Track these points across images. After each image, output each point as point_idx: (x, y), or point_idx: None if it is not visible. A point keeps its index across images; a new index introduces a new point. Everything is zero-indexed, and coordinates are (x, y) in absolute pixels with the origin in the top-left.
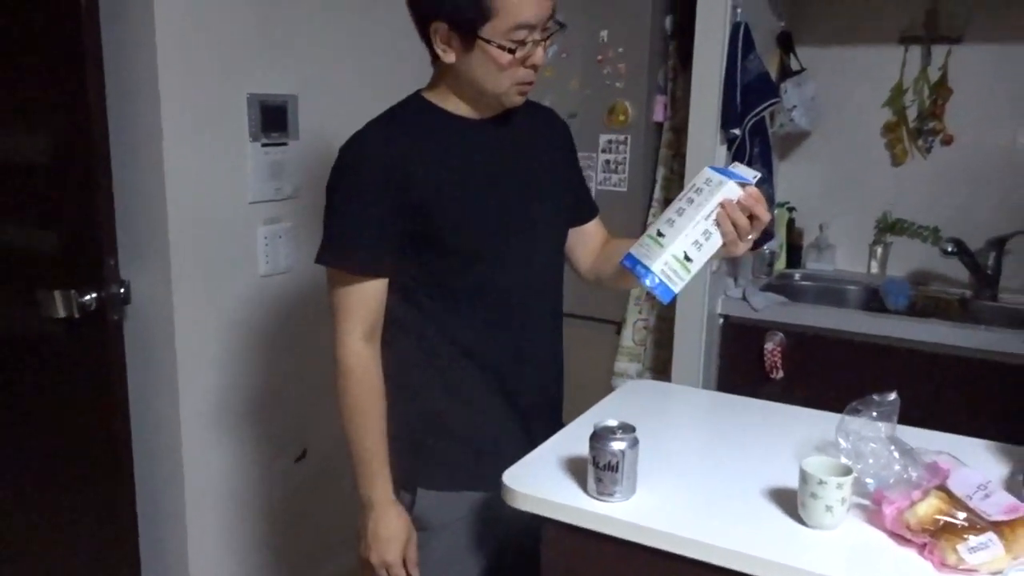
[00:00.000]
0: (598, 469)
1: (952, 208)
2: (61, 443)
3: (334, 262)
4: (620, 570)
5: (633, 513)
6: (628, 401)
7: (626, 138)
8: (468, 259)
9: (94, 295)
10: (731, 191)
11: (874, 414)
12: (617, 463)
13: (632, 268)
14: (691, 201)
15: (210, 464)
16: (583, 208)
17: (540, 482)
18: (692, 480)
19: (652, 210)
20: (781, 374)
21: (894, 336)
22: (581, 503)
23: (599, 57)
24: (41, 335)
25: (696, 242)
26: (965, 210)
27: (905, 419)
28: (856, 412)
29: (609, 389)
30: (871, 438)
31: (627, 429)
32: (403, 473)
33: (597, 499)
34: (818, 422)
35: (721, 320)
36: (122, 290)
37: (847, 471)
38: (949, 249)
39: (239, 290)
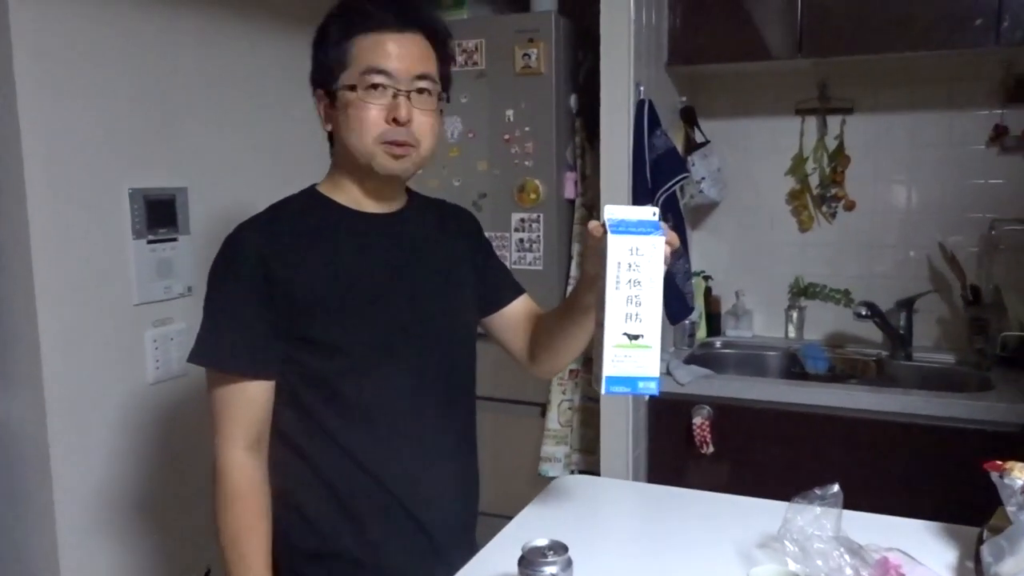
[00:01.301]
0: None
1: (859, 270)
2: None
3: (207, 361)
4: None
5: None
6: (555, 504)
7: (539, 216)
8: (356, 365)
9: None
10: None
11: (817, 510)
12: None
13: (609, 390)
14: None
15: None
16: (504, 291)
17: None
18: None
19: (570, 287)
20: (711, 449)
21: (817, 404)
22: None
23: (506, 136)
24: None
25: (628, 315)
26: (871, 272)
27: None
28: (799, 505)
29: (536, 476)
30: (817, 537)
31: (559, 549)
32: None
33: None
34: (759, 513)
35: (647, 396)
36: None
37: None
38: (863, 312)
39: (126, 401)
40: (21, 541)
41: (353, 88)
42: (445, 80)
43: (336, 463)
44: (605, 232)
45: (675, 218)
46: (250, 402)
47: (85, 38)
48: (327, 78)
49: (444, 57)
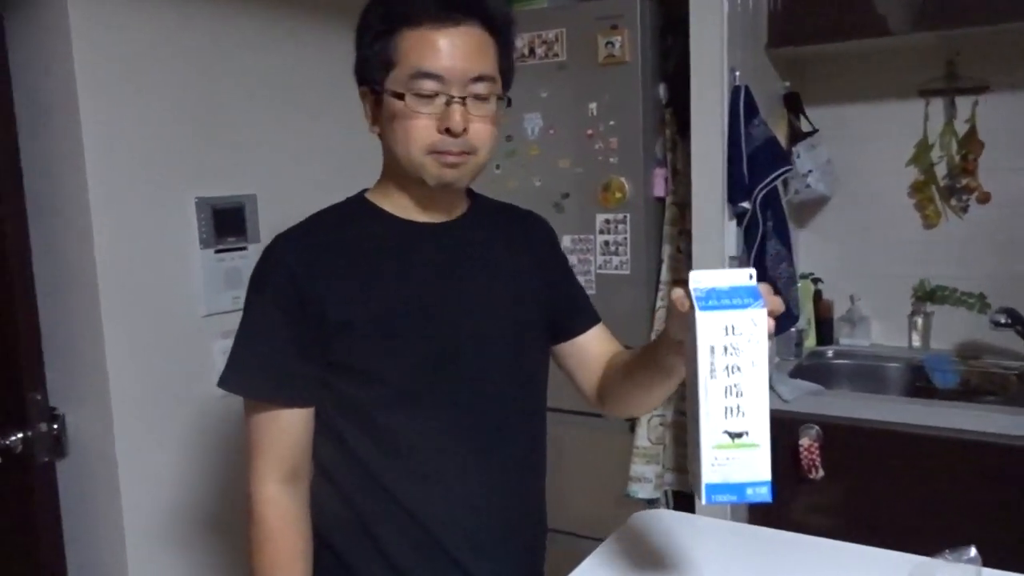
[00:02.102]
0: None
1: (995, 271)
2: None
3: (236, 387)
4: None
5: None
6: (632, 547)
7: (625, 216)
8: (396, 396)
9: (19, 435)
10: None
11: None
12: None
13: (711, 499)
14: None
15: None
16: (577, 318)
17: None
18: None
19: (660, 293)
20: (821, 473)
21: (946, 427)
22: None
23: (589, 131)
24: None
25: (728, 408)
26: (1010, 272)
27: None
28: (925, 574)
29: (624, 498)
30: None
31: None
32: None
33: None
34: (880, 569)
35: None
36: (55, 426)
37: None
38: (1002, 320)
39: (194, 414)
40: (92, 555)
41: (400, 96)
42: (506, 75)
43: (374, 502)
44: (692, 306)
45: (776, 217)
46: (282, 431)
47: (146, 44)
48: (371, 76)
49: (506, 48)
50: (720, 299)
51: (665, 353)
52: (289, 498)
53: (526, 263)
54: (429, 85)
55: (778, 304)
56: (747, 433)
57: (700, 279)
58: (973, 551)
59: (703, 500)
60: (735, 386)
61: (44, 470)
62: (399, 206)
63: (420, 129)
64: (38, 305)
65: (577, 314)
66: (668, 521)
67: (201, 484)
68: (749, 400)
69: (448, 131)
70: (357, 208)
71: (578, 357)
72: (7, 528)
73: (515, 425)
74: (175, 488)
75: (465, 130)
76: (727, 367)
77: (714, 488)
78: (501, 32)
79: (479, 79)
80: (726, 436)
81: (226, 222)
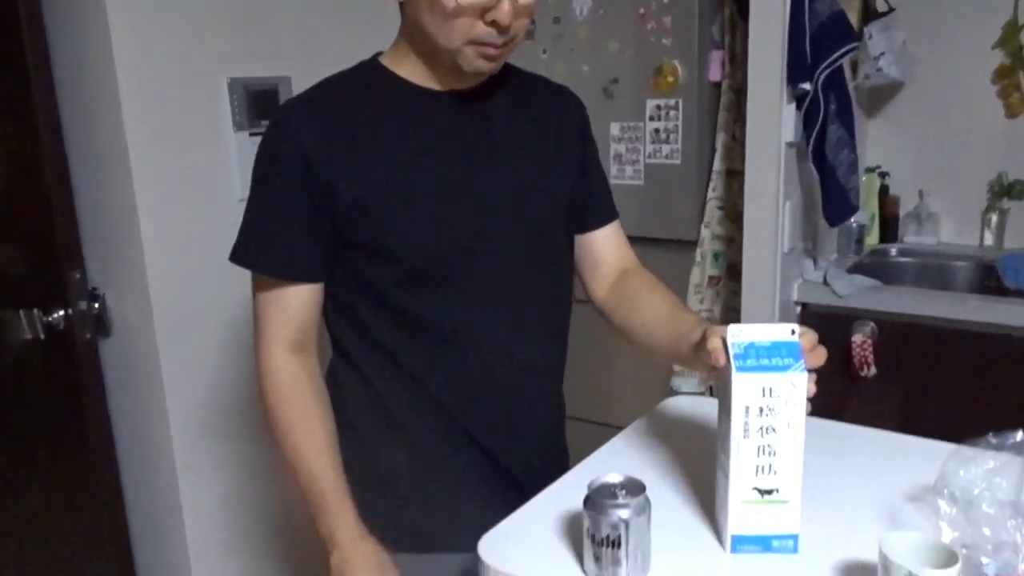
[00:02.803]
0: (595, 544)
1: None
2: (45, 476)
3: (245, 261)
4: None
5: None
6: (655, 432)
7: (677, 103)
8: (415, 276)
9: (61, 313)
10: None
11: (991, 463)
12: (619, 537)
13: (736, 549)
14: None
15: (207, 481)
16: (595, 211)
17: (523, 553)
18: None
19: (712, 184)
20: (873, 371)
21: (1017, 325)
22: None
23: (641, 11)
24: (13, 359)
25: (759, 467)
26: None
27: None
28: (967, 453)
29: (668, 392)
30: (986, 499)
31: (633, 489)
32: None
33: None
34: (920, 457)
35: (798, 309)
36: (95, 305)
37: (951, 557)
38: None
39: (229, 297)
40: (137, 431)
41: None
42: None
43: (395, 385)
44: (729, 362)
45: (839, 100)
46: (288, 307)
47: None
48: None
49: None
50: (759, 357)
51: (691, 359)
52: (297, 366)
53: (553, 143)
54: None
55: (819, 358)
56: (777, 490)
57: (739, 334)
58: (1020, 435)
59: (728, 550)
60: (768, 446)
61: (87, 347)
62: (417, 73)
63: (465, 19)
64: (73, 188)
65: (593, 209)
66: (703, 406)
67: (239, 367)
68: (782, 460)
69: (495, 23)
70: (371, 73)
71: (584, 253)
72: (55, 404)
73: (536, 312)
74: (213, 367)
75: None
76: (761, 428)
77: (740, 539)
78: None
79: None
80: (755, 492)
81: (260, 103)
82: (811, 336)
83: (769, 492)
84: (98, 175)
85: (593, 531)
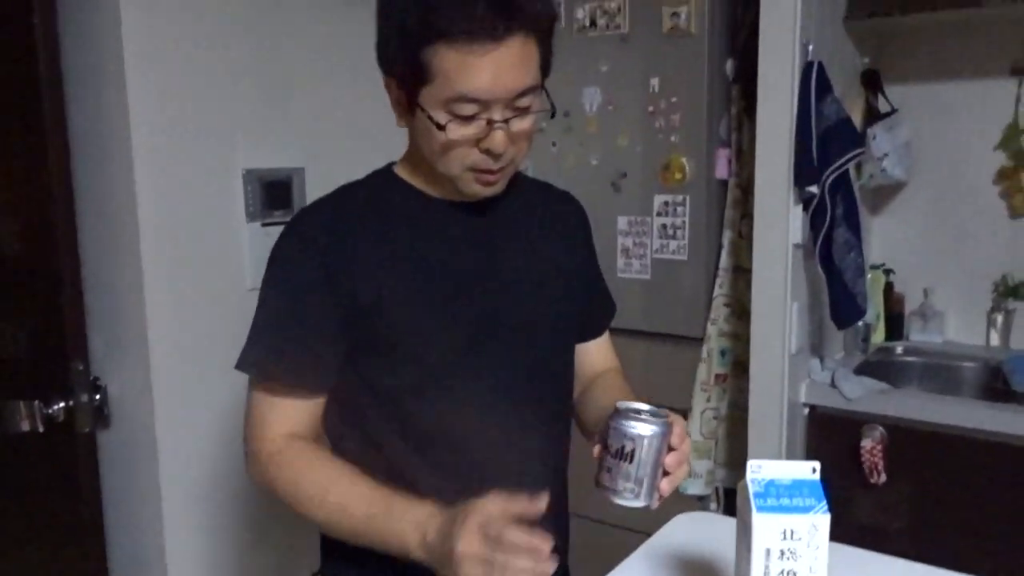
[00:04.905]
0: (609, 455)
1: None
2: (33, 569)
3: (254, 370)
4: None
5: None
6: (673, 551)
7: (684, 198)
8: (429, 378)
9: (61, 405)
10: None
11: None
12: (633, 451)
13: None
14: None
15: None
16: (593, 320)
17: None
18: None
19: (719, 281)
20: (884, 478)
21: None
22: None
23: (650, 108)
24: (8, 451)
25: None
26: None
27: None
28: None
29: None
30: None
31: (656, 414)
32: None
33: (600, 491)
34: None
35: (806, 411)
36: (96, 396)
37: None
38: None
39: (236, 388)
40: (131, 525)
41: (441, 127)
42: (546, 68)
43: None
44: (748, 500)
45: (846, 201)
46: (288, 419)
47: (197, 10)
48: (398, 75)
49: (548, 45)
50: (780, 496)
51: None
52: (298, 440)
53: (562, 246)
54: (470, 109)
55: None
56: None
57: (759, 470)
58: None
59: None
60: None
61: (86, 440)
62: (428, 183)
63: (459, 149)
64: (82, 275)
65: (593, 319)
66: (714, 524)
67: (239, 459)
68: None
69: (488, 152)
70: (386, 182)
71: (576, 360)
72: (49, 497)
73: (542, 419)
74: (214, 463)
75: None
76: (782, 571)
77: None
78: (548, 34)
79: (524, 93)
80: None
81: (274, 195)
82: (680, 426)
83: None
84: (108, 260)
85: (609, 441)
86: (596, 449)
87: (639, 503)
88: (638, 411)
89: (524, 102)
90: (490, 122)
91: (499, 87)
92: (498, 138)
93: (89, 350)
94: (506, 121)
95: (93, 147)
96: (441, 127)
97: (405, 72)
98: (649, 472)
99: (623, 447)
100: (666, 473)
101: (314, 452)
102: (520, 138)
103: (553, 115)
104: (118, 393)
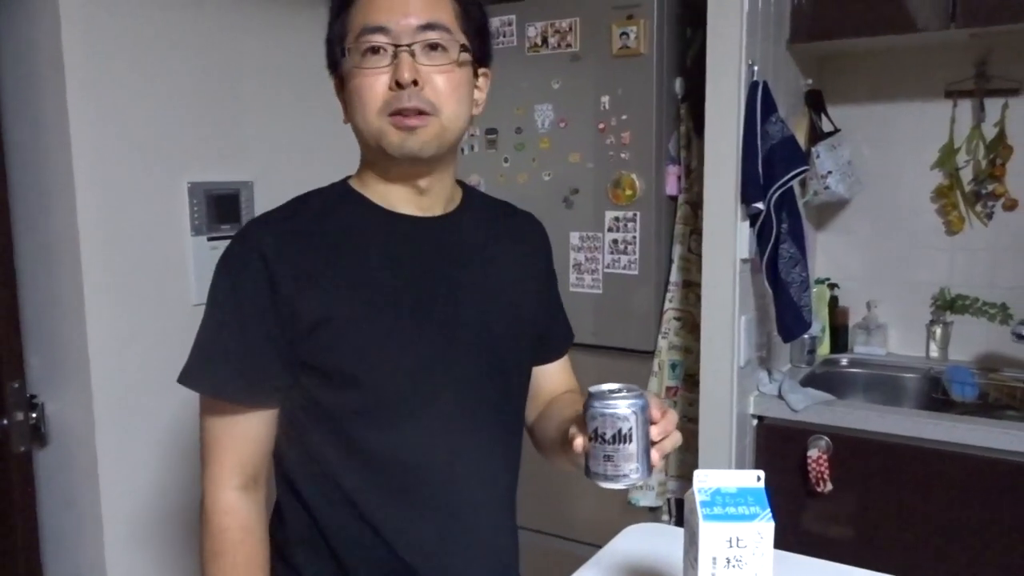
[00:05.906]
0: (605, 443)
1: (1019, 282)
2: None
3: (199, 385)
4: None
5: None
6: (624, 562)
7: (635, 215)
8: (374, 405)
9: None
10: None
11: None
12: (630, 430)
13: None
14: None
15: None
16: (551, 343)
17: None
18: None
19: (669, 295)
20: (829, 487)
21: (965, 443)
22: None
23: (601, 125)
24: None
25: None
26: None
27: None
28: None
29: (625, 506)
30: None
31: (630, 388)
32: None
33: (604, 483)
34: None
35: (755, 422)
36: (33, 414)
37: None
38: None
39: (179, 405)
40: (69, 546)
41: (353, 63)
42: (475, 40)
43: (341, 520)
44: (695, 510)
45: (791, 218)
46: (243, 436)
47: (139, 23)
48: (334, 59)
49: (468, 11)
50: (725, 505)
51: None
52: (248, 506)
53: (522, 268)
54: (375, 38)
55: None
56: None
57: (705, 479)
58: None
59: None
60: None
61: (20, 459)
62: (382, 196)
63: (372, 89)
64: (18, 290)
65: (551, 342)
66: (665, 535)
67: (183, 477)
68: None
69: (398, 84)
70: (341, 195)
71: (532, 382)
72: None
73: (493, 442)
74: (156, 480)
75: (416, 83)
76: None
77: None
78: None
79: (430, 26)
80: None
81: (220, 209)
82: (656, 396)
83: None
84: (46, 274)
85: (602, 431)
86: (580, 443)
87: (643, 479)
88: (615, 390)
89: (435, 36)
90: (396, 47)
91: (400, 11)
92: (404, 63)
93: (26, 367)
94: (411, 49)
95: (30, 160)
96: (345, 52)
97: (336, 47)
98: (644, 445)
99: (619, 430)
100: (653, 443)
101: (244, 555)
102: (437, 77)
103: (485, 68)
104: (57, 411)
